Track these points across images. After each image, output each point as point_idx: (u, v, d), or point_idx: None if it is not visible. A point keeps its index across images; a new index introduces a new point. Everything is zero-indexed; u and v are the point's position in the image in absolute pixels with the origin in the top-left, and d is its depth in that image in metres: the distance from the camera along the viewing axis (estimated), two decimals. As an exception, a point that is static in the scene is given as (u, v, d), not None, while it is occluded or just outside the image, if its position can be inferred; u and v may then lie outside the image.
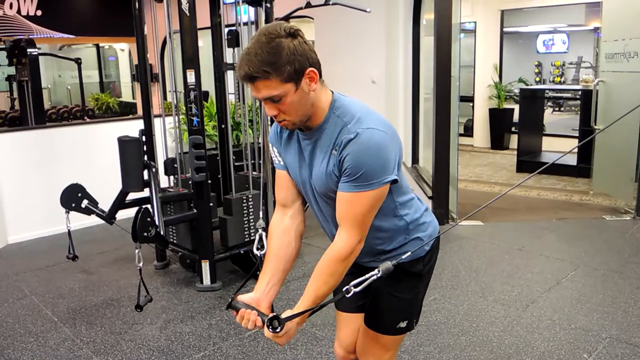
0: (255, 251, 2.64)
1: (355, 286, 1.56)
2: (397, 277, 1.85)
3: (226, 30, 4.44)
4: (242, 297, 1.72)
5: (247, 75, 1.51)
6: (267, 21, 4.07)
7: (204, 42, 4.52)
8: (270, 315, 1.58)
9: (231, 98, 4.74)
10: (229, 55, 4.45)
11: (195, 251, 4.09)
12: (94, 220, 4.37)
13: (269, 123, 4.21)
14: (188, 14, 3.69)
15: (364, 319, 1.96)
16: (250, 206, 4.17)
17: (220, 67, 4.46)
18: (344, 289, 1.57)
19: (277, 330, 1.56)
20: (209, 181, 3.94)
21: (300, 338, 3.31)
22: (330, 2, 4.92)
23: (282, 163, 1.84)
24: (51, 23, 9.25)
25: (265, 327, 1.58)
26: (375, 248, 1.83)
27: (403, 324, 1.91)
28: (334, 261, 1.64)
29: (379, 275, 1.57)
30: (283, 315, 1.59)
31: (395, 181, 1.63)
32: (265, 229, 2.59)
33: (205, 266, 3.99)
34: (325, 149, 1.65)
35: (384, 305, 1.90)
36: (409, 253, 1.71)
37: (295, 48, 1.51)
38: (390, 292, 1.88)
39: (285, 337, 1.61)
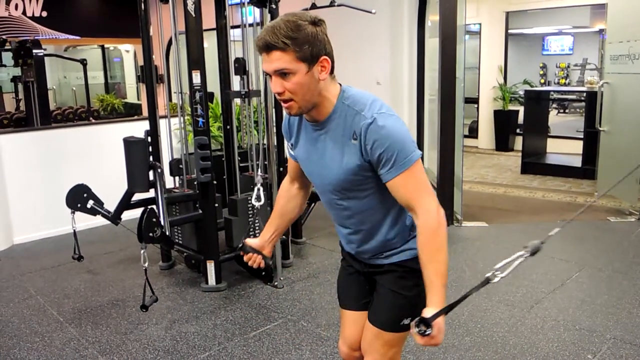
0: (254, 202, 3.15)
1: (501, 270, 1.57)
2: (402, 275, 1.88)
3: (232, 31, 4.45)
4: (250, 242, 1.99)
5: (266, 43, 1.58)
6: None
7: (210, 43, 4.53)
8: (416, 319, 1.55)
9: (236, 99, 4.75)
10: (235, 82, 4.46)
11: (201, 252, 4.11)
12: (99, 221, 4.39)
13: (274, 124, 4.23)
14: (194, 15, 3.71)
15: (368, 316, 1.98)
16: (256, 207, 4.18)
17: (226, 68, 4.47)
18: (486, 276, 1.57)
19: (428, 332, 1.54)
20: (214, 182, 3.95)
21: (306, 338, 3.32)
22: (336, 4, 4.93)
23: (293, 154, 1.92)
24: (56, 24, 9.28)
25: (416, 335, 1.56)
26: (380, 243, 1.85)
27: (407, 321, 1.92)
28: (431, 236, 1.64)
29: (527, 255, 1.57)
30: (426, 315, 1.56)
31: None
32: (264, 184, 2.88)
33: (211, 267, 4.00)
34: (340, 140, 1.69)
35: (388, 302, 1.92)
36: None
37: (316, 33, 1.60)
38: (394, 289, 1.89)
39: (439, 333, 1.57)
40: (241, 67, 4.19)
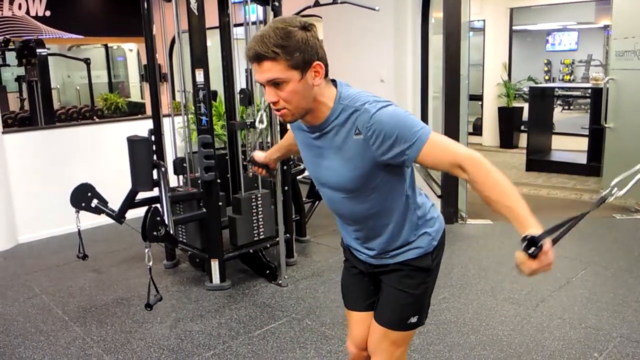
0: (256, 124, 3.45)
1: (619, 187, 1.57)
2: (407, 273, 1.88)
3: (235, 29, 4.44)
4: (257, 156, 2.29)
5: (256, 54, 1.55)
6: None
7: (213, 41, 4.52)
8: (523, 237, 1.42)
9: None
10: (239, 80, 4.44)
11: (205, 250, 4.10)
12: (103, 220, 4.38)
13: (278, 122, 4.22)
14: (197, 14, 3.70)
15: (375, 316, 1.97)
16: (259, 205, 4.17)
17: (229, 66, 4.46)
18: (603, 194, 1.55)
19: (536, 251, 1.39)
20: (218, 180, 3.94)
21: (310, 337, 3.31)
22: (339, 1, 4.91)
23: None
24: (60, 23, 9.29)
25: (525, 263, 1.43)
26: (385, 243, 1.85)
27: (414, 319, 1.92)
28: (487, 175, 1.56)
29: None
30: (533, 234, 1.41)
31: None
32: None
33: (215, 265, 3.99)
34: (341, 140, 1.67)
35: (395, 301, 1.91)
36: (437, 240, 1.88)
37: (307, 39, 1.56)
38: (400, 288, 1.89)
39: (550, 252, 1.43)
40: (246, 98, 4.17)
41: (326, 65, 1.63)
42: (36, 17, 8.97)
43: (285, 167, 4.26)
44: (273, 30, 1.54)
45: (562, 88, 11.24)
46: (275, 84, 1.58)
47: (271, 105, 1.64)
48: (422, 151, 1.59)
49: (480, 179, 1.56)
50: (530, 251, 1.40)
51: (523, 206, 1.51)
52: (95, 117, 9.81)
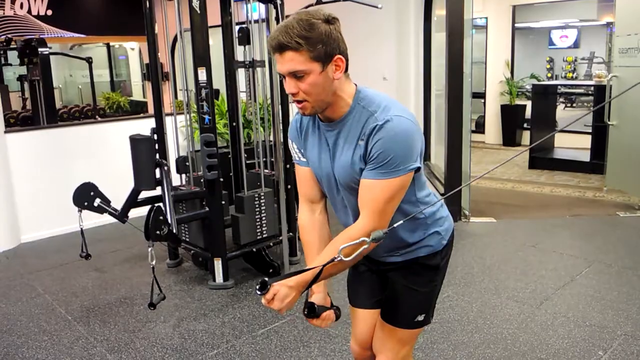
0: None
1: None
2: (416, 271, 1.87)
3: (237, 27, 4.43)
4: (316, 300, 1.79)
5: (280, 44, 1.55)
6: (277, 18, 4.06)
7: (215, 40, 4.52)
8: (260, 279, 1.55)
9: (242, 96, 4.74)
10: (239, 53, 4.44)
11: (208, 249, 4.10)
12: (106, 219, 4.38)
13: (280, 121, 4.21)
14: (199, 12, 3.69)
15: (381, 314, 1.96)
16: (262, 204, 4.17)
17: (231, 65, 4.45)
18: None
19: (259, 292, 1.54)
20: (221, 179, 3.94)
21: (314, 335, 3.31)
22: (341, -1, 4.90)
23: (303, 159, 1.85)
24: (62, 23, 9.30)
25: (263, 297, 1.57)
26: (393, 242, 1.83)
27: (420, 317, 1.92)
28: (346, 241, 1.59)
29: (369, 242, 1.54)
30: (265, 279, 1.57)
31: (418, 169, 1.65)
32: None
33: (218, 264, 3.99)
34: (351, 140, 1.67)
35: (402, 298, 1.91)
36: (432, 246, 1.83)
37: (330, 32, 1.57)
38: (409, 285, 1.89)
39: (278, 302, 1.56)
40: (245, 37, 4.16)
41: (347, 60, 1.63)
42: (38, 16, 8.97)
43: (288, 166, 4.26)
44: (297, 21, 1.54)
45: (565, 85, 11.20)
46: (296, 75, 1.58)
47: (290, 96, 1.64)
48: (376, 181, 1.61)
49: (346, 235, 1.63)
50: (258, 291, 1.54)
51: (319, 263, 1.58)
52: (97, 116, 9.79)
